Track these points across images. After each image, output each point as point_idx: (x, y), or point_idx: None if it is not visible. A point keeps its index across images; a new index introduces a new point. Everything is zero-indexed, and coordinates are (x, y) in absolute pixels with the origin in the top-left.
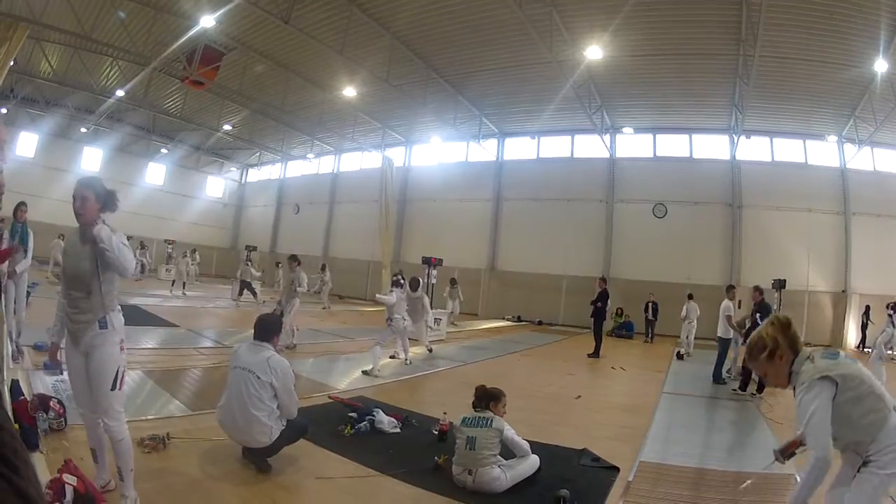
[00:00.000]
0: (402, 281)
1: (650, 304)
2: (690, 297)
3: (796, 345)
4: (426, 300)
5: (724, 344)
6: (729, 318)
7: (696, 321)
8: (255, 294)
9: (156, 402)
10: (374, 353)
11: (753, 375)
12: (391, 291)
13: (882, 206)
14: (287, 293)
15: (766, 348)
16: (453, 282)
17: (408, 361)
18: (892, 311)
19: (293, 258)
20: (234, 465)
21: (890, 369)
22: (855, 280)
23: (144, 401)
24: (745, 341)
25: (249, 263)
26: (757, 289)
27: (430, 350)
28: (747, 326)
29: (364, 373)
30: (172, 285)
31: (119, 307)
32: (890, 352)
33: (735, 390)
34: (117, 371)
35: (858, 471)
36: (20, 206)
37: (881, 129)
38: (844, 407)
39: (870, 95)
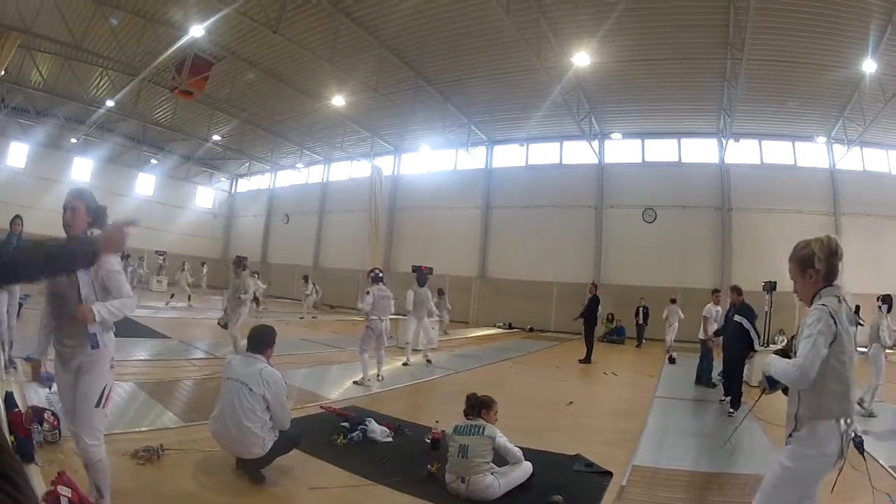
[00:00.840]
0: (381, 275)
1: (641, 309)
2: (673, 301)
3: (832, 275)
4: (430, 301)
5: (706, 346)
6: (706, 319)
7: (676, 324)
8: (258, 303)
9: (149, 413)
10: (364, 362)
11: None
12: (367, 293)
13: (872, 206)
14: (232, 302)
15: (806, 259)
16: (441, 292)
17: (380, 377)
18: (880, 303)
19: (238, 263)
20: (227, 476)
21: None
22: (845, 280)
23: (137, 412)
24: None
25: (257, 275)
26: (735, 289)
27: (430, 361)
28: (720, 326)
29: (355, 382)
30: (189, 299)
31: (112, 325)
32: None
33: (721, 400)
34: (104, 388)
35: (786, 442)
36: (15, 219)
37: (870, 128)
38: (828, 362)
39: (859, 95)
